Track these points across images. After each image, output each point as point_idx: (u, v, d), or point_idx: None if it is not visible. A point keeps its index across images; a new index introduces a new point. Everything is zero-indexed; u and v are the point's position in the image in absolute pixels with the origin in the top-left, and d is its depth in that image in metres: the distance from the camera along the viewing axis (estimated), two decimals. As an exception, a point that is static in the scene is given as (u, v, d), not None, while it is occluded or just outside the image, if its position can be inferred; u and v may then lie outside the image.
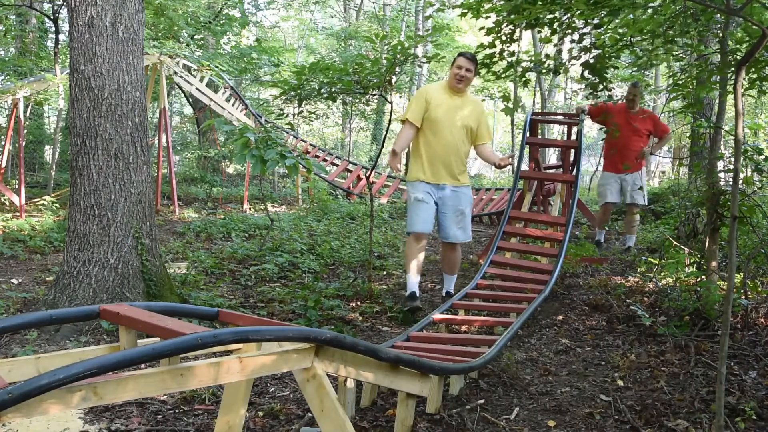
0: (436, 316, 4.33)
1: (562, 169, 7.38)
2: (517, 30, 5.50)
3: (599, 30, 4.91)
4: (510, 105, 5.45)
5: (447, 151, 4.69)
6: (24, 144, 10.69)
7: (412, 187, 4.76)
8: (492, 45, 5.35)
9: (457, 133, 4.70)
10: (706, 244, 4.13)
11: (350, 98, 6.56)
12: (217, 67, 12.00)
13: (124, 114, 4.33)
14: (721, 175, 4.27)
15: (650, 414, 2.91)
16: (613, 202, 6.70)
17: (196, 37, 15.28)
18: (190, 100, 16.49)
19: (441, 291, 5.59)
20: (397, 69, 5.30)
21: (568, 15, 4.83)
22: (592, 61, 5.00)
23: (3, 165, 10.33)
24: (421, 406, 2.86)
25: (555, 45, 6.10)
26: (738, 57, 3.85)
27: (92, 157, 4.27)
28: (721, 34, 3.90)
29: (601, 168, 7.27)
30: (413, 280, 4.75)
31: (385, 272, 6.24)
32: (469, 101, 4.81)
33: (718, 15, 3.89)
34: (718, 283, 4.04)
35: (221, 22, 14.97)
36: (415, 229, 4.68)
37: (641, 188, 6.47)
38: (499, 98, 5.67)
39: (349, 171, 13.20)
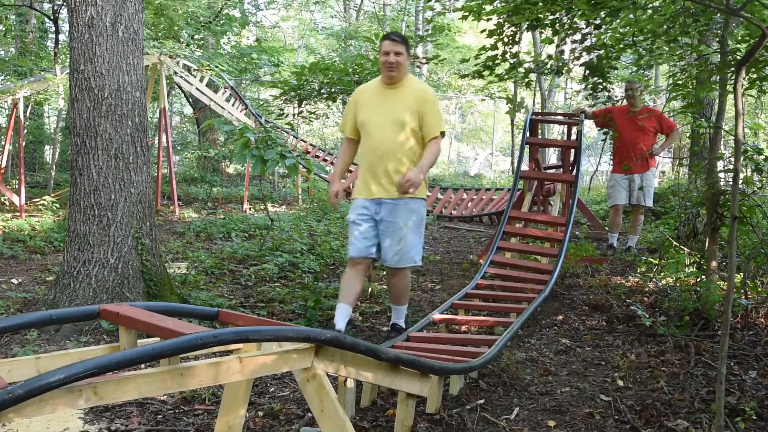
0: (436, 316, 4.33)
1: (562, 169, 7.39)
2: (520, 31, 5.51)
3: (600, 30, 4.92)
4: (512, 107, 5.44)
5: (380, 157, 3.83)
6: (24, 144, 10.69)
7: (351, 207, 4.00)
8: (494, 47, 5.36)
9: (390, 132, 3.81)
10: (706, 244, 4.13)
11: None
12: (217, 67, 12.01)
13: (124, 114, 4.33)
14: (721, 175, 4.27)
15: (650, 414, 2.92)
16: (624, 204, 6.68)
17: (196, 37, 15.28)
18: (190, 100, 16.49)
19: (439, 291, 5.59)
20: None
21: (569, 15, 4.83)
22: (594, 61, 5.00)
23: (3, 165, 10.34)
24: (421, 406, 2.86)
25: (557, 45, 6.11)
26: (738, 57, 3.85)
27: (92, 157, 4.27)
28: (721, 34, 3.90)
29: (600, 168, 7.26)
30: (341, 313, 3.82)
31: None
32: (408, 90, 3.89)
33: (718, 15, 3.89)
34: (718, 283, 4.04)
35: (221, 22, 14.97)
36: (349, 254, 3.96)
37: (641, 188, 6.45)
38: (500, 98, 5.62)
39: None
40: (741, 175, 3.10)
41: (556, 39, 5.68)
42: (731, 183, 2.60)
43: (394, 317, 4.10)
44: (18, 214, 9.18)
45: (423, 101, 3.84)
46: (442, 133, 3.86)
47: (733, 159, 2.90)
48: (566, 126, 7.22)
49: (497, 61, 5.41)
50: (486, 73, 5.50)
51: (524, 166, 8.34)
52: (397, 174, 3.77)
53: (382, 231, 3.88)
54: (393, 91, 3.89)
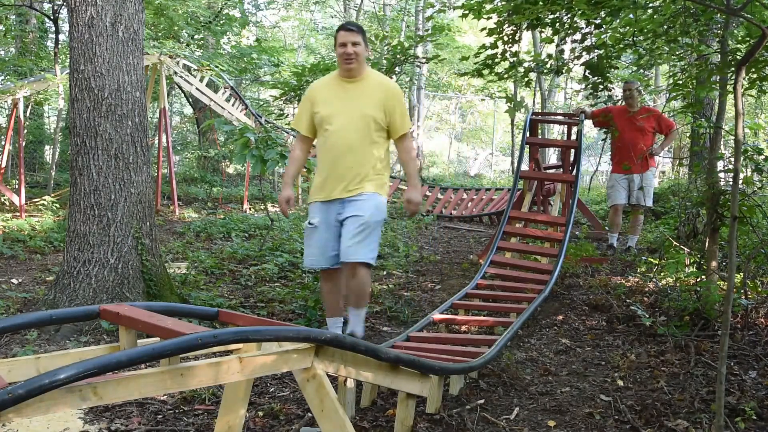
0: (436, 316, 4.33)
1: (562, 169, 7.38)
2: (521, 30, 5.51)
3: (600, 29, 4.92)
4: (512, 106, 5.44)
5: (343, 155, 3.52)
6: (24, 144, 10.69)
7: (310, 211, 3.69)
8: (494, 46, 5.36)
9: (355, 128, 3.53)
10: (706, 244, 4.13)
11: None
12: (217, 67, 12.00)
13: (124, 114, 4.33)
14: (721, 175, 4.27)
15: (650, 414, 2.92)
16: (623, 204, 6.68)
17: (196, 37, 15.28)
18: (190, 100, 16.49)
19: (439, 291, 5.59)
20: (397, 69, 5.30)
21: (570, 15, 4.83)
22: (594, 61, 5.00)
23: (3, 165, 10.34)
24: (421, 406, 2.86)
25: (557, 45, 6.11)
26: (738, 57, 3.85)
27: (92, 157, 4.27)
28: (721, 34, 3.90)
29: (600, 168, 7.26)
30: (332, 326, 3.75)
31: (385, 272, 6.24)
32: (372, 84, 3.61)
33: (718, 15, 3.89)
34: (718, 283, 4.04)
35: (221, 22, 14.97)
36: (307, 263, 3.68)
37: (641, 188, 6.45)
38: (500, 98, 5.59)
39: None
40: (741, 175, 3.10)
41: (556, 38, 5.68)
42: (731, 183, 2.60)
43: (351, 324, 3.63)
44: (18, 214, 9.18)
45: (390, 95, 3.58)
46: (410, 130, 3.67)
47: (733, 159, 2.90)
48: (566, 126, 7.22)
49: (497, 60, 5.41)
50: (485, 72, 5.50)
51: (524, 166, 8.34)
52: (362, 173, 3.50)
53: (345, 226, 3.53)
54: (354, 84, 3.60)
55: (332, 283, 3.68)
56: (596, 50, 5.09)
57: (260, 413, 3.02)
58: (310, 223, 3.61)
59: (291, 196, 3.67)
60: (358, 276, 3.51)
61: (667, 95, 5.51)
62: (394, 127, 3.59)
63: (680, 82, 4.52)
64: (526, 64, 5.67)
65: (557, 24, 5.07)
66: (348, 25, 3.66)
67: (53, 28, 11.32)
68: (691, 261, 4.39)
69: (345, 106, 3.57)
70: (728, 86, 4.03)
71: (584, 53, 5.21)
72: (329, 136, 3.57)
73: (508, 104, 5.42)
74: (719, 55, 3.96)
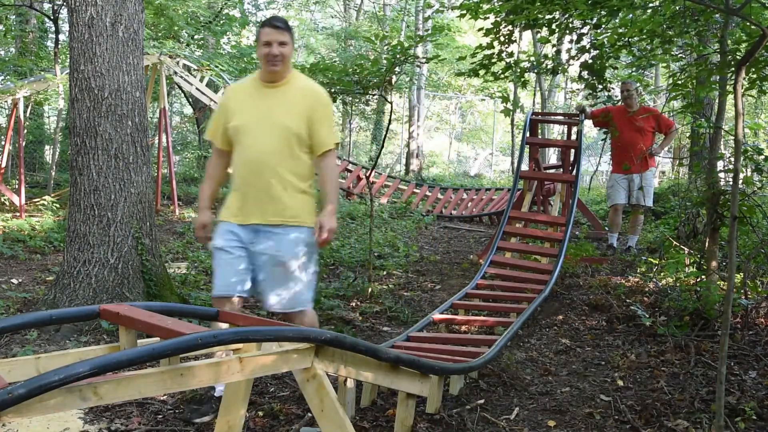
0: (436, 316, 4.33)
1: (562, 169, 7.38)
2: (516, 30, 5.51)
3: (598, 30, 4.92)
4: (509, 106, 5.43)
5: (257, 172, 3.01)
6: (24, 144, 10.68)
7: (217, 231, 3.14)
8: (491, 46, 5.36)
9: (270, 140, 3.00)
10: (706, 244, 4.13)
11: (350, 98, 6.57)
12: (217, 67, 12.00)
13: (124, 114, 4.34)
14: (721, 175, 4.27)
15: (650, 414, 2.92)
16: (623, 204, 6.68)
17: (196, 37, 15.28)
18: (190, 100, 16.49)
19: (439, 291, 5.59)
20: (397, 69, 5.30)
21: (567, 15, 4.83)
22: (590, 61, 5.00)
23: (3, 165, 10.33)
24: (421, 406, 2.86)
25: (554, 45, 6.11)
26: (738, 57, 3.85)
27: (92, 157, 4.27)
28: (720, 34, 3.90)
29: (600, 168, 7.27)
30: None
31: (385, 272, 6.24)
32: (294, 90, 3.09)
33: (718, 15, 3.89)
34: (718, 283, 4.05)
35: (221, 22, 14.97)
36: (215, 292, 3.16)
37: (641, 188, 6.45)
38: (500, 98, 5.57)
39: (349, 171, 13.19)
40: (741, 175, 3.10)
41: (553, 38, 5.68)
42: (731, 183, 2.60)
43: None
44: (18, 214, 9.18)
45: (314, 104, 3.06)
46: (337, 145, 3.11)
47: (733, 159, 2.90)
48: (566, 126, 7.22)
49: (493, 60, 5.41)
50: (482, 72, 5.50)
51: (524, 166, 8.34)
52: (282, 196, 3.00)
53: (259, 266, 3.05)
54: (275, 90, 3.07)
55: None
56: (593, 50, 5.09)
57: (260, 413, 3.02)
58: (216, 246, 3.10)
59: (207, 221, 3.16)
60: (303, 324, 3.05)
61: (667, 95, 5.51)
62: (318, 140, 3.04)
63: (680, 82, 4.52)
64: (523, 64, 5.66)
65: (554, 24, 5.07)
66: (274, 21, 3.09)
67: (53, 28, 11.31)
68: (691, 261, 4.39)
69: (261, 114, 3.04)
70: (728, 86, 4.03)
71: (581, 54, 5.21)
72: (242, 151, 3.05)
73: (504, 104, 5.42)
74: (719, 55, 3.96)
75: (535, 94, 13.98)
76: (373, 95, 5.89)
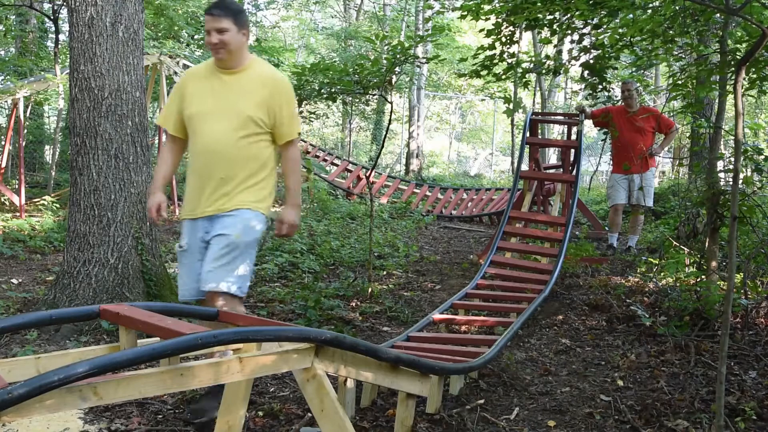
0: (436, 316, 4.33)
1: (562, 169, 7.38)
2: (517, 31, 5.51)
3: (599, 30, 4.92)
4: (510, 106, 5.44)
5: (214, 164, 2.89)
6: (24, 144, 10.68)
7: (181, 231, 3.07)
8: (492, 47, 5.36)
9: (227, 129, 2.88)
10: (706, 244, 4.13)
11: (350, 98, 6.57)
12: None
13: (124, 114, 4.34)
14: (721, 175, 4.27)
15: (650, 414, 2.92)
16: (623, 204, 6.68)
17: (196, 37, 15.27)
18: (190, 100, 16.47)
19: (439, 291, 5.59)
20: (397, 69, 5.30)
21: (568, 15, 4.83)
22: (591, 61, 5.00)
23: (3, 165, 10.33)
24: (421, 406, 2.86)
25: (555, 46, 6.11)
26: (738, 57, 3.85)
27: (92, 157, 4.27)
28: (720, 34, 3.90)
29: (600, 168, 7.27)
30: None
31: (385, 272, 6.24)
32: (253, 76, 2.96)
33: (718, 15, 3.89)
34: (718, 283, 4.05)
35: (221, 22, 14.95)
36: (180, 296, 3.04)
37: (641, 188, 6.45)
38: (500, 98, 5.58)
39: (349, 171, 13.20)
40: (741, 175, 3.10)
41: (554, 39, 5.68)
42: (731, 183, 2.60)
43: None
44: (18, 214, 9.18)
45: (275, 91, 2.92)
46: (299, 135, 3.00)
47: (733, 159, 2.90)
48: (566, 126, 7.22)
49: (495, 61, 5.41)
50: (484, 73, 5.50)
51: (524, 166, 8.34)
52: (236, 186, 2.88)
53: (210, 247, 2.90)
54: (232, 76, 2.95)
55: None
56: (594, 50, 5.09)
57: (260, 413, 3.02)
58: (180, 246, 2.99)
59: (161, 201, 3.00)
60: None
61: (667, 95, 5.51)
62: (279, 130, 2.94)
63: (680, 82, 4.52)
64: (524, 65, 5.67)
65: (555, 25, 5.07)
66: (212, 7, 2.92)
67: (53, 28, 11.31)
68: (691, 261, 4.39)
69: (219, 103, 2.92)
70: (728, 86, 4.03)
71: (582, 54, 5.21)
72: (198, 139, 2.94)
73: (506, 105, 5.42)
74: (719, 55, 3.96)
75: (535, 95, 13.98)
76: (373, 95, 5.89)
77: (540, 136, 9.09)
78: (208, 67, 3.04)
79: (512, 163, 18.54)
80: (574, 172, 6.46)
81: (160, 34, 13.81)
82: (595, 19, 4.62)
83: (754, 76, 3.98)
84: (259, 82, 2.93)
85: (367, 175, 6.17)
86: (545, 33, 5.57)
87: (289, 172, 2.99)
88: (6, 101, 10.10)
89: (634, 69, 6.42)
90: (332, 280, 5.86)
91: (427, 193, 12.49)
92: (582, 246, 6.18)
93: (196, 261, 2.92)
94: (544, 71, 5.83)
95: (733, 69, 3.62)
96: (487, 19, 5.25)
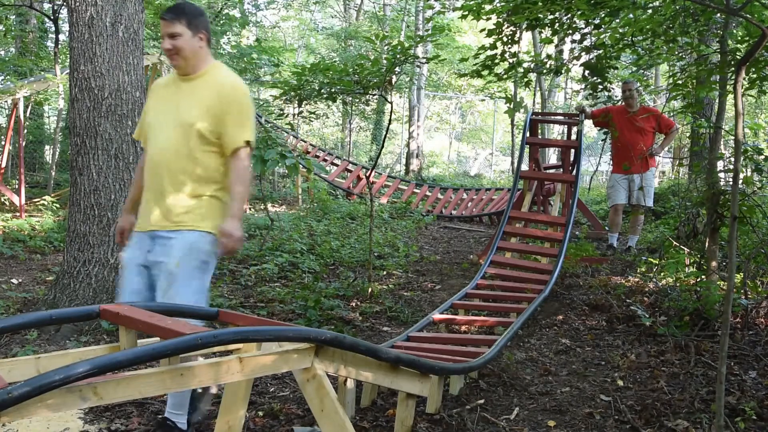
0: (436, 316, 4.33)
1: (562, 169, 7.38)
2: (518, 31, 5.51)
3: (600, 30, 4.92)
4: (511, 107, 5.44)
5: (159, 176, 2.74)
6: (24, 144, 10.68)
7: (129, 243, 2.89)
8: (493, 46, 5.36)
9: (171, 138, 2.72)
10: (706, 244, 4.13)
11: (350, 98, 6.57)
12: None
13: (124, 114, 4.34)
14: (721, 175, 4.27)
15: (650, 414, 2.92)
16: (623, 204, 6.68)
17: (196, 37, 15.27)
18: (190, 100, 16.47)
19: (439, 291, 5.59)
20: (397, 69, 5.30)
21: (569, 15, 4.84)
22: (593, 61, 5.00)
23: (3, 165, 10.33)
24: (421, 406, 2.86)
25: (556, 45, 6.11)
26: (738, 57, 3.85)
27: (92, 157, 4.27)
28: (720, 34, 3.90)
29: (600, 168, 7.27)
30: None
31: (385, 272, 6.24)
32: (207, 83, 2.79)
33: (718, 15, 3.89)
34: (718, 283, 4.05)
35: (221, 22, 14.97)
36: None
37: (641, 188, 6.45)
38: (500, 98, 5.58)
39: (349, 171, 13.20)
40: (741, 175, 3.10)
41: (555, 39, 5.68)
42: (731, 183, 2.60)
43: (170, 405, 2.74)
44: (18, 214, 9.18)
45: (222, 98, 2.73)
46: (249, 143, 2.74)
47: (733, 159, 2.90)
48: (566, 126, 7.22)
49: (496, 61, 5.42)
50: (485, 72, 5.51)
51: (524, 166, 8.34)
52: (180, 200, 2.70)
53: (155, 276, 2.73)
54: (189, 83, 2.80)
55: None
56: (595, 50, 5.09)
57: (260, 413, 3.02)
58: (124, 261, 2.84)
59: (127, 225, 2.91)
60: None
61: (667, 95, 5.51)
62: (224, 139, 2.71)
63: (680, 82, 4.52)
64: (525, 65, 5.67)
65: (556, 24, 5.08)
66: (165, 12, 2.77)
67: (53, 28, 11.31)
68: (691, 261, 4.39)
69: (168, 110, 2.78)
70: (728, 86, 4.03)
71: (583, 54, 5.22)
72: (148, 151, 2.83)
73: (508, 105, 5.42)
74: (719, 55, 3.96)
75: (535, 94, 13.98)
76: (373, 95, 5.89)
77: (540, 136, 9.08)
78: (173, 75, 2.90)
79: (512, 163, 18.54)
80: (574, 172, 6.46)
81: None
82: (596, 18, 4.62)
83: (754, 76, 3.98)
84: (211, 89, 2.76)
85: (367, 175, 6.17)
86: (546, 33, 5.57)
87: (234, 182, 2.73)
88: (6, 101, 10.10)
89: (634, 69, 6.43)
90: (332, 280, 5.86)
91: (427, 193, 12.49)
92: (582, 246, 6.18)
93: (135, 276, 2.76)
94: (544, 71, 5.83)
95: (733, 69, 3.62)
96: (488, 19, 5.25)
